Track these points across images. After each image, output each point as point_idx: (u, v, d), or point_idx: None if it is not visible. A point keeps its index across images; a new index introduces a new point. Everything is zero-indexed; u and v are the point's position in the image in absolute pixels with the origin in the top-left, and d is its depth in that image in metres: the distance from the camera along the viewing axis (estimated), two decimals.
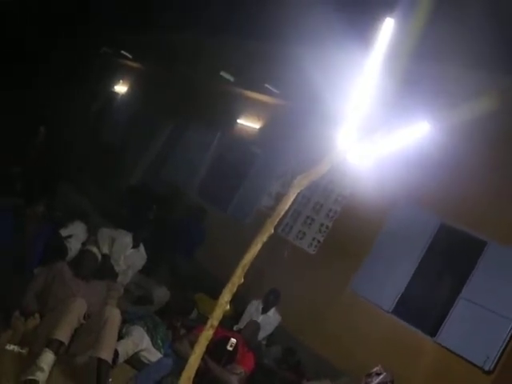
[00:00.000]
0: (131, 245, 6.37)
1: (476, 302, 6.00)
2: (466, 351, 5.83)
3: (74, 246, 5.96)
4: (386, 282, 6.77)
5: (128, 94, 14.57)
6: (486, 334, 5.77)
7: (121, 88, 14.72)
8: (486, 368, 5.61)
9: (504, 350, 5.63)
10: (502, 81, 6.30)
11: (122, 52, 14.19)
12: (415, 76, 6.52)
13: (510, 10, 4.76)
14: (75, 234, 6.09)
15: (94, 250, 5.10)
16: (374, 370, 4.80)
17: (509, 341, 5.64)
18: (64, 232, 6.04)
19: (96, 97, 14.94)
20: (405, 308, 6.61)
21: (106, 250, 6.12)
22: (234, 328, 6.29)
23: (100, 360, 3.81)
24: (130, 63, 14.81)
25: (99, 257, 5.16)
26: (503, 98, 6.18)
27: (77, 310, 4.00)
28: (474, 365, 5.72)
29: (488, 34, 5.01)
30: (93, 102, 14.87)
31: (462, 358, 5.84)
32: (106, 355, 3.84)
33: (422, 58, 6.49)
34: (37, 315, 4.28)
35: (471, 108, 5.79)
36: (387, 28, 3.30)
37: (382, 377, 4.67)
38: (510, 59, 5.52)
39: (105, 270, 5.81)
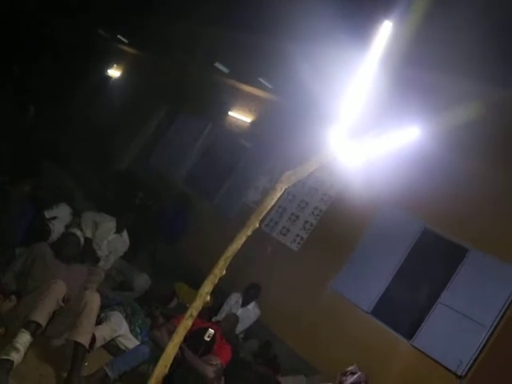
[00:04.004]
0: (114, 230, 6.34)
1: (454, 307, 6.07)
2: (441, 355, 5.91)
3: (57, 228, 5.91)
4: (367, 283, 6.82)
5: (121, 78, 14.47)
6: (461, 340, 5.85)
7: (115, 72, 14.62)
8: (459, 373, 5.69)
9: (478, 356, 5.71)
10: (492, 91, 6.39)
11: (118, 36, 14.09)
12: (409, 81, 6.57)
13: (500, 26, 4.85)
14: (59, 217, 6.04)
15: (77, 233, 5.07)
16: (350, 368, 4.84)
17: (483, 347, 5.73)
18: (48, 213, 6.00)
19: (89, 79, 14.83)
20: (384, 309, 6.66)
21: (89, 234, 6.09)
22: (213, 319, 6.31)
23: (77, 344, 3.79)
24: (125, 48, 14.71)
25: (82, 240, 5.14)
26: (491, 107, 6.28)
27: (56, 292, 3.97)
28: (448, 369, 5.80)
29: (480, 47, 5.09)
30: (86, 84, 14.76)
31: (436, 361, 5.92)
32: (83, 339, 3.82)
33: (416, 65, 6.55)
34: (13, 297, 4.25)
35: (460, 116, 5.84)
36: (385, 31, 3.32)
37: (356, 376, 4.71)
38: (499, 71, 5.61)
39: (87, 254, 5.79)
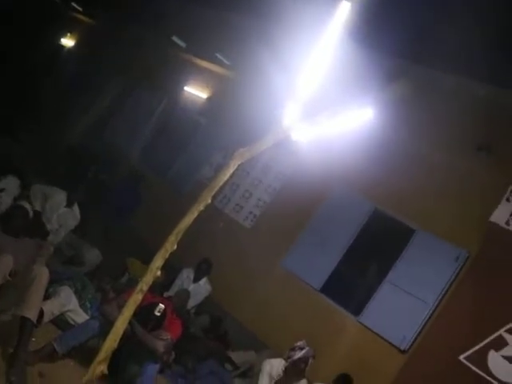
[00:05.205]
0: (65, 203, 6.21)
1: (399, 285, 6.27)
2: (385, 331, 6.12)
3: (4, 201, 5.75)
4: (317, 261, 6.94)
5: (75, 48, 14.03)
6: (405, 316, 6.07)
7: (68, 41, 14.15)
8: (402, 347, 5.93)
9: (420, 331, 5.94)
10: (444, 76, 6.55)
11: (73, 4, 13.61)
12: (364, 63, 6.64)
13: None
14: (7, 189, 5.88)
15: (26, 206, 4.94)
16: (298, 344, 4.93)
17: (425, 323, 5.96)
18: None
19: (41, 48, 14.29)
20: (333, 287, 6.81)
21: (38, 207, 5.95)
22: (164, 295, 6.30)
23: (24, 318, 3.72)
24: (80, 16, 14.24)
25: (31, 213, 5.01)
26: (442, 91, 6.44)
27: (2, 266, 3.89)
28: (392, 344, 6.02)
29: (437, 32, 5.19)
30: (38, 54, 14.23)
31: (381, 337, 6.13)
32: (31, 314, 3.75)
33: (371, 46, 6.61)
34: None
35: (411, 99, 5.97)
36: (342, 11, 3.34)
37: (304, 351, 4.80)
38: (454, 56, 5.73)
39: (36, 228, 5.65)
